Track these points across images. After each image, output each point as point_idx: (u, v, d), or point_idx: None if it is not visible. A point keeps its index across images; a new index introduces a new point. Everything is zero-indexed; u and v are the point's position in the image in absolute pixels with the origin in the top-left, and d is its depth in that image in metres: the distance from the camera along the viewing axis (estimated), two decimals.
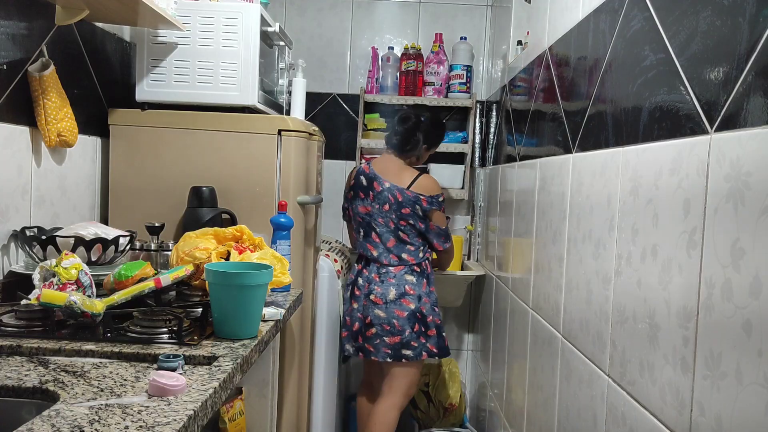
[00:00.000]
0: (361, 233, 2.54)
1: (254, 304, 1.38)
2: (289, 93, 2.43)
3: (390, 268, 2.47)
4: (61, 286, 1.34)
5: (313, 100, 3.08)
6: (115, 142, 2.02)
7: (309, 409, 2.32)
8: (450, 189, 3.12)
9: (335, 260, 2.67)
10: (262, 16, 2.03)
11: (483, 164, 3.11)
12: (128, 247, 1.74)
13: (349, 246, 3.18)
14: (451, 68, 3.11)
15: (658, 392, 1.01)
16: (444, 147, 3.10)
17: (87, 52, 1.91)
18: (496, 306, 2.55)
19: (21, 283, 1.51)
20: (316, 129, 2.31)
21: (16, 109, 1.59)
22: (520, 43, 2.37)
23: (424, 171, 2.77)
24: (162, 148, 2.01)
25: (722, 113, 0.86)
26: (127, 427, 0.88)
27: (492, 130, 2.89)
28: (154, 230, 1.85)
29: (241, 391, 1.67)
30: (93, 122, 1.97)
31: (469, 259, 3.16)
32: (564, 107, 1.64)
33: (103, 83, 2.03)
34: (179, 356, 1.13)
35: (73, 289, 1.34)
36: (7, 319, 1.33)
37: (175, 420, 0.91)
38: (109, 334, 1.30)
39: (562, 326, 1.54)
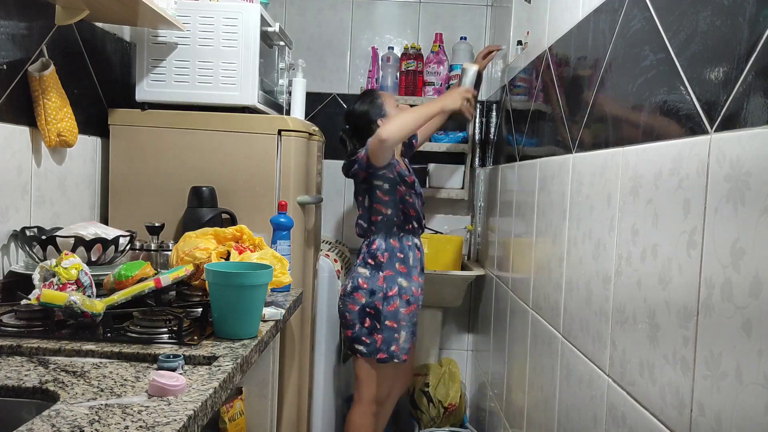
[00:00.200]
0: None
1: (254, 304, 1.38)
2: (289, 93, 2.43)
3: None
4: (61, 286, 1.34)
5: (313, 100, 3.08)
6: (115, 142, 2.02)
7: (309, 409, 2.32)
8: (450, 189, 3.12)
9: (335, 260, 2.67)
10: (262, 16, 2.03)
11: (483, 164, 3.11)
12: (128, 247, 1.74)
13: (349, 246, 3.19)
14: (451, 68, 3.11)
15: (658, 392, 1.01)
16: (444, 147, 3.10)
17: (87, 52, 1.92)
18: (496, 306, 2.54)
19: (21, 283, 1.51)
20: (316, 129, 2.31)
21: (16, 109, 1.59)
22: (520, 43, 2.37)
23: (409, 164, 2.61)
24: (162, 148, 2.01)
25: (722, 113, 0.86)
26: (127, 427, 0.88)
27: (492, 130, 2.89)
28: (154, 230, 1.86)
29: (241, 391, 1.67)
30: (93, 122, 1.97)
31: (469, 259, 3.16)
32: (564, 107, 1.64)
33: (103, 83, 2.03)
34: (179, 356, 1.13)
35: (73, 289, 1.34)
36: (7, 319, 1.33)
37: (175, 420, 0.91)
38: (109, 334, 1.30)
39: (562, 326, 1.54)
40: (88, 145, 1.95)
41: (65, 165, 1.81)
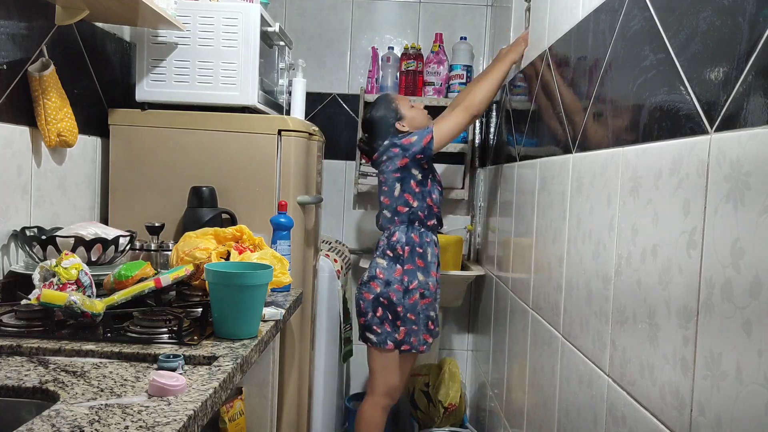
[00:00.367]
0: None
1: (254, 304, 1.38)
2: (289, 93, 2.43)
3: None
4: (61, 286, 1.34)
5: (313, 100, 3.08)
6: (115, 142, 2.02)
7: (309, 409, 2.32)
8: (450, 189, 3.11)
9: (335, 260, 2.67)
10: (262, 16, 2.03)
11: (483, 164, 3.11)
12: (128, 247, 1.74)
13: (349, 246, 3.19)
14: (451, 68, 3.11)
15: (658, 392, 1.01)
16: (444, 147, 3.09)
17: (87, 52, 1.92)
18: (496, 306, 2.54)
19: (21, 283, 1.51)
20: (316, 129, 2.31)
21: (16, 109, 1.59)
22: None
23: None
24: (162, 148, 2.01)
25: (722, 113, 0.86)
26: (127, 427, 0.88)
27: (492, 130, 2.89)
28: (154, 230, 1.86)
29: (241, 391, 1.67)
30: (93, 122, 1.97)
31: (468, 259, 3.16)
32: (564, 107, 1.64)
33: (103, 83, 2.03)
34: (179, 356, 1.13)
35: (73, 289, 1.34)
36: (7, 319, 1.33)
37: (175, 420, 0.91)
38: (109, 334, 1.30)
39: (562, 326, 1.54)
40: (88, 145, 1.95)
41: (65, 165, 1.81)
